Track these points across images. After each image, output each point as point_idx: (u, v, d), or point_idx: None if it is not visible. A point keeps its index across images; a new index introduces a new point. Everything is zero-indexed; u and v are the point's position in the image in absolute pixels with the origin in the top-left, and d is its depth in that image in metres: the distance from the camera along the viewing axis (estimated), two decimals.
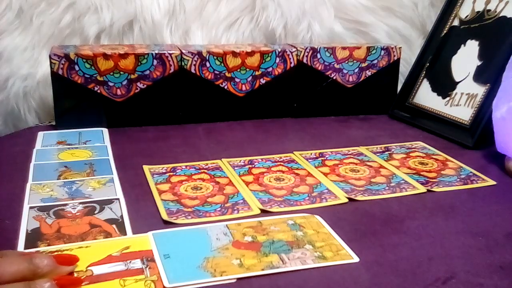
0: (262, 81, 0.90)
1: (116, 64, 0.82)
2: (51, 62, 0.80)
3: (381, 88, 0.97)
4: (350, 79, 0.95)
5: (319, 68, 0.92)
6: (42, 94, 0.91)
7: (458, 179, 0.69)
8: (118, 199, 0.60)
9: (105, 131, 0.82)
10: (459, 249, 0.52)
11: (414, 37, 1.07)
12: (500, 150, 0.72)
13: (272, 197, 0.62)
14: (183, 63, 0.85)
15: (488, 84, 0.82)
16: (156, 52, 0.83)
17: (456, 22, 0.92)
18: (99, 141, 0.78)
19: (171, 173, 0.68)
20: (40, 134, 0.80)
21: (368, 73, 0.95)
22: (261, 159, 0.74)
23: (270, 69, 0.90)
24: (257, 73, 0.89)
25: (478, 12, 0.89)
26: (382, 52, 0.95)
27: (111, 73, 0.82)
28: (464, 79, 0.87)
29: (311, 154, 0.76)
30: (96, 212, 0.56)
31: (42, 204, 0.58)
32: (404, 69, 1.02)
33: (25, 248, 0.49)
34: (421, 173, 0.71)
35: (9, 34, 0.89)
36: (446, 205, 0.61)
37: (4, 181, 0.65)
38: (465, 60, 0.88)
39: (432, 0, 1.06)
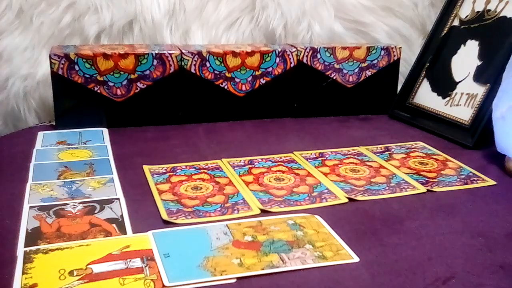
0: (262, 81, 0.90)
1: (116, 64, 0.82)
2: (51, 62, 0.80)
3: (381, 88, 0.97)
4: (350, 79, 0.95)
5: (319, 68, 0.92)
6: (42, 94, 0.91)
7: (458, 179, 0.69)
8: (118, 198, 0.60)
9: (105, 131, 0.82)
10: (459, 249, 0.52)
11: (414, 37, 1.07)
12: (500, 150, 0.72)
13: (272, 197, 0.62)
14: (183, 63, 0.85)
15: (488, 84, 0.82)
16: (156, 52, 0.83)
17: (456, 22, 0.92)
18: (99, 141, 0.78)
19: (171, 173, 0.68)
20: (40, 134, 0.80)
21: (368, 73, 0.95)
22: (261, 159, 0.74)
23: (270, 69, 0.90)
24: (257, 73, 0.89)
25: (478, 12, 0.89)
26: (382, 52, 0.95)
27: (111, 73, 0.82)
28: (464, 79, 0.87)
29: (311, 154, 0.76)
30: (96, 211, 0.57)
31: (42, 203, 0.58)
32: (404, 69, 1.02)
33: (25, 247, 0.49)
34: (421, 173, 0.71)
35: (9, 34, 0.89)
36: (446, 205, 0.61)
37: (4, 181, 0.65)
38: (465, 60, 0.88)
39: (432, 0, 1.06)
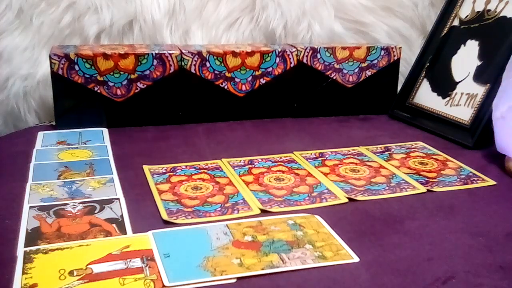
0: (262, 81, 0.90)
1: (116, 64, 0.82)
2: (51, 62, 0.80)
3: (381, 88, 0.97)
4: (350, 79, 0.95)
5: (319, 68, 0.92)
6: (42, 94, 0.91)
7: (458, 179, 0.69)
8: (118, 198, 0.60)
9: (105, 131, 0.82)
10: (459, 249, 0.52)
11: (414, 37, 1.07)
12: (500, 150, 0.72)
13: (272, 197, 0.62)
14: (183, 63, 0.85)
15: (488, 84, 0.82)
16: (156, 52, 0.83)
17: (456, 22, 0.92)
18: (99, 141, 0.78)
19: (171, 173, 0.68)
20: (40, 134, 0.80)
21: (368, 73, 0.95)
22: (261, 159, 0.74)
23: (270, 69, 0.90)
24: (257, 73, 0.89)
25: (478, 12, 0.89)
26: (382, 52, 0.95)
27: (111, 73, 0.82)
28: (464, 79, 0.87)
29: (311, 154, 0.76)
30: (96, 211, 0.57)
31: (42, 203, 0.58)
32: (404, 69, 1.02)
33: (25, 247, 0.49)
34: (421, 173, 0.71)
35: (9, 34, 0.89)
36: (446, 205, 0.61)
37: (4, 181, 0.65)
38: (465, 60, 0.88)
39: (432, 0, 1.06)
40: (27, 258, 0.47)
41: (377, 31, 1.04)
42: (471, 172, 0.71)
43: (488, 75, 0.83)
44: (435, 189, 0.66)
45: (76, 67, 0.80)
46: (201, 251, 0.49)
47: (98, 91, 0.82)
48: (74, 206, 0.57)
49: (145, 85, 0.84)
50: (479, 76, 0.84)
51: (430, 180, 0.68)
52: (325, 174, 0.69)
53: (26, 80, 0.90)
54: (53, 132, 0.82)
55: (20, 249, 0.49)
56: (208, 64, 0.86)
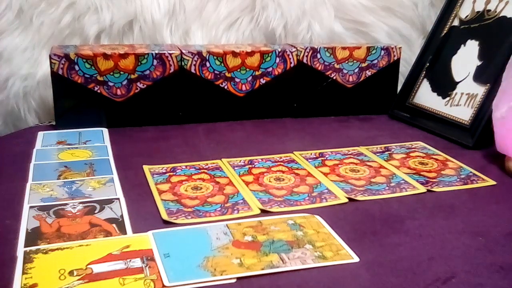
0: (262, 81, 0.90)
1: (116, 64, 0.82)
2: (51, 62, 0.80)
3: (381, 88, 0.97)
4: (350, 79, 0.95)
5: (319, 68, 0.92)
6: (42, 94, 0.91)
7: (458, 179, 0.69)
8: (118, 199, 0.60)
9: (105, 131, 0.82)
10: (459, 249, 0.52)
11: (414, 37, 1.07)
12: (500, 150, 0.72)
13: (272, 197, 0.62)
14: (183, 63, 0.85)
15: (488, 84, 0.82)
16: (156, 52, 0.83)
17: (456, 22, 0.92)
18: (99, 141, 0.78)
19: (171, 173, 0.68)
20: (40, 134, 0.80)
21: (368, 73, 0.95)
22: (261, 159, 0.74)
23: (270, 69, 0.90)
24: (257, 73, 0.89)
25: (478, 12, 0.89)
26: (382, 52, 0.95)
27: (111, 73, 0.82)
28: (464, 79, 0.87)
29: (311, 154, 0.76)
30: (96, 211, 0.57)
31: (42, 203, 0.58)
32: (404, 69, 1.02)
33: (25, 247, 0.49)
34: (421, 173, 0.71)
35: (9, 34, 0.89)
36: (446, 205, 0.61)
37: (4, 181, 0.65)
38: (465, 60, 0.88)
39: (432, 0, 1.06)
40: (27, 258, 0.47)
41: (377, 31, 1.03)
42: (471, 172, 0.71)
43: (488, 75, 0.83)
44: (435, 189, 0.66)
45: (76, 67, 0.80)
46: (201, 251, 0.49)
47: (98, 91, 0.82)
48: (74, 206, 0.57)
49: (145, 85, 0.84)
50: (479, 76, 0.84)
51: (430, 180, 0.68)
52: (325, 174, 0.69)
53: (26, 80, 0.90)
54: (53, 132, 0.82)
55: (20, 249, 0.49)
56: (208, 64, 0.86)
